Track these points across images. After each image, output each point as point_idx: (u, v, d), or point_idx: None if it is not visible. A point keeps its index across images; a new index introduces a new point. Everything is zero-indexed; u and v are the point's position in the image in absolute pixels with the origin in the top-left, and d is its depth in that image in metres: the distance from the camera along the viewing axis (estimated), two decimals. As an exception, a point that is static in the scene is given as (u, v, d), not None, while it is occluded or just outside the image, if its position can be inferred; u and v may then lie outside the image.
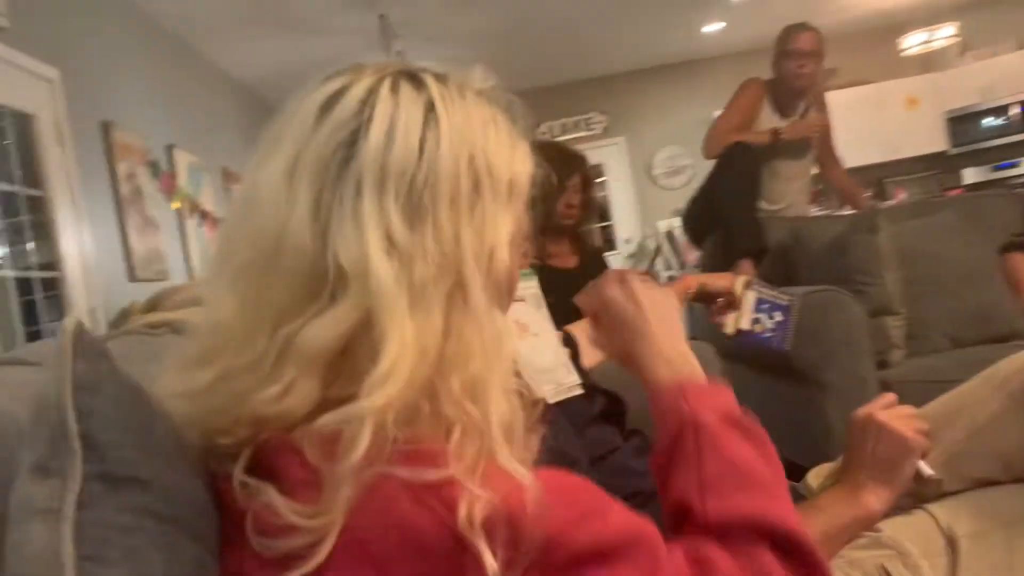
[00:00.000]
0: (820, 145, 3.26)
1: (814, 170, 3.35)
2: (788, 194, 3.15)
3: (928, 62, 7.76)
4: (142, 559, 0.51)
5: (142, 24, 4.58)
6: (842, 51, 8.01)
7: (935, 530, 0.97)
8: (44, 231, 3.27)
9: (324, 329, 0.59)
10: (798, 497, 1.15)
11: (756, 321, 1.76)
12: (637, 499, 1.05)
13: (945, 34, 6.64)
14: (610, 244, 8.45)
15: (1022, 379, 0.99)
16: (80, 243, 3.41)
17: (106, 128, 3.82)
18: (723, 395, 0.76)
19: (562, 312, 2.05)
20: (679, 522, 0.66)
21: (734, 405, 0.75)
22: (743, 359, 2.76)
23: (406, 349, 0.58)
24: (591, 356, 1.49)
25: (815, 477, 1.16)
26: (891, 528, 0.98)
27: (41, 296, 3.17)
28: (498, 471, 0.58)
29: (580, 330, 1.55)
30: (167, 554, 0.52)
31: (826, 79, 8.01)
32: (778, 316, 1.77)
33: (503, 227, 0.66)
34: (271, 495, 0.56)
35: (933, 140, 7.92)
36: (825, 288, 2.24)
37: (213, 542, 0.59)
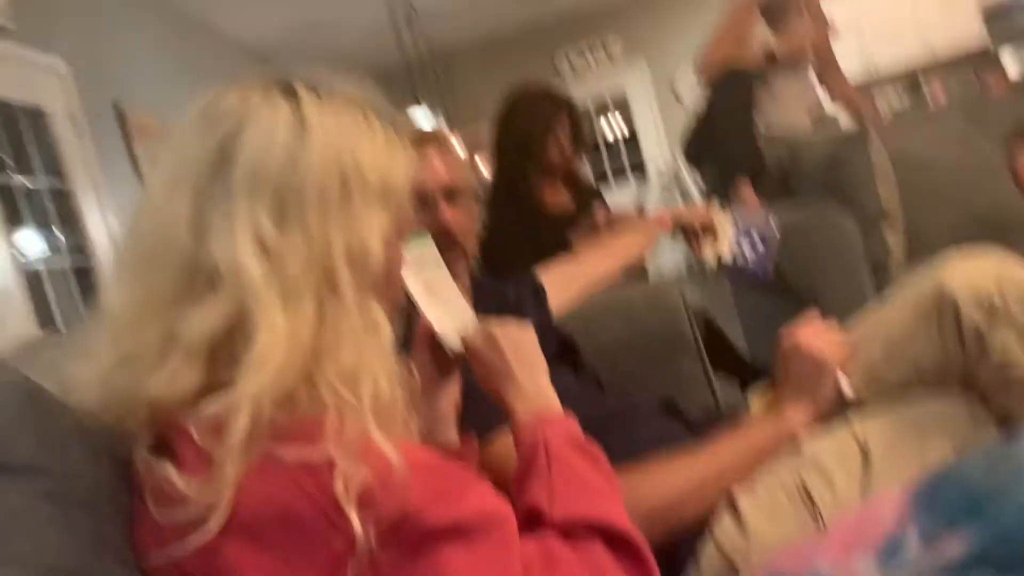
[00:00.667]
0: (819, 57, 3.18)
1: (816, 85, 3.28)
2: (787, 113, 3.10)
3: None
4: (39, 536, 0.59)
5: (144, 1, 4.64)
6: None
7: (852, 442, 1.01)
8: (71, 222, 3.41)
9: (201, 321, 0.66)
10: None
11: (738, 249, 1.79)
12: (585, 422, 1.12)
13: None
14: (640, 169, 8.32)
15: (929, 293, 1.02)
16: (108, 230, 3.55)
17: (120, 111, 3.94)
18: (570, 424, 0.86)
19: (559, 253, 2.11)
20: (529, 525, 0.74)
21: (579, 432, 0.85)
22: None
23: (277, 339, 0.65)
24: (557, 301, 1.56)
25: (757, 396, 1.22)
26: (811, 442, 1.03)
27: (75, 286, 3.32)
28: (371, 448, 0.65)
29: (548, 274, 1.61)
30: (63, 531, 0.60)
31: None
32: (759, 244, 1.80)
33: (375, 226, 0.72)
34: (167, 469, 0.64)
35: (970, 31, 7.61)
36: (812, 205, 2.25)
37: (115, 517, 0.67)
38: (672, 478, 1.02)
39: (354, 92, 0.77)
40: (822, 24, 3.17)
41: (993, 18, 7.43)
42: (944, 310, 1.00)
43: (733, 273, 1.78)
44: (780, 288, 2.35)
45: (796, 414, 1.04)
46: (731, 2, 3.07)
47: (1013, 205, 2.50)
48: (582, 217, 2.39)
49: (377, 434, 0.66)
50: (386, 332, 0.73)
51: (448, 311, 0.96)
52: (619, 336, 1.54)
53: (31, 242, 3.27)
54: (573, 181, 2.60)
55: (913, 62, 7.67)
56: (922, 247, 2.47)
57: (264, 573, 0.61)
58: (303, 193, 0.69)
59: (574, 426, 0.86)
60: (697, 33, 3.11)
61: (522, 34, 8.06)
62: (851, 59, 7.44)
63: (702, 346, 1.57)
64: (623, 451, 1.06)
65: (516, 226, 2.44)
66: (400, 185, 0.76)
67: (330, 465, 0.62)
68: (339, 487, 0.61)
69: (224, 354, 0.67)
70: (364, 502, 0.61)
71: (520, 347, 0.91)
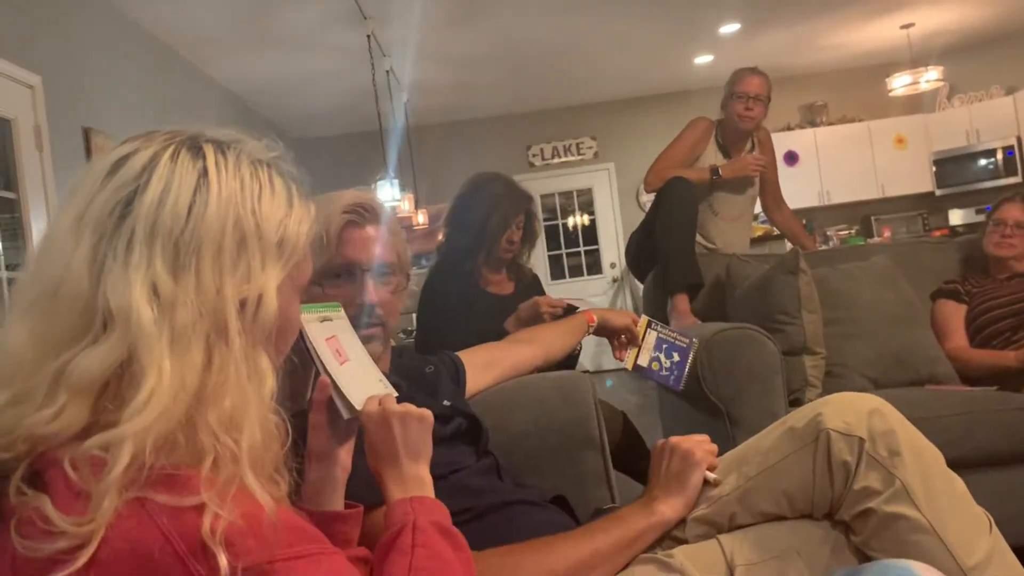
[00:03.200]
0: (763, 186, 3.34)
1: (758, 210, 3.43)
2: (726, 232, 3.23)
3: (916, 104, 7.87)
4: None
5: (130, 32, 4.72)
6: (831, 88, 8.17)
7: (720, 558, 1.06)
8: (15, 233, 3.39)
9: (91, 362, 0.68)
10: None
11: (655, 359, 1.86)
12: (464, 515, 1.15)
13: (930, 78, 6.75)
14: (596, 267, 8.56)
15: (805, 423, 1.09)
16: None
17: (87, 134, 3.95)
18: (440, 509, 0.91)
19: (493, 333, 2.17)
20: None
21: (446, 518, 0.90)
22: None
23: (163, 382, 0.68)
24: (475, 383, 1.60)
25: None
26: (682, 554, 1.08)
27: (8, 295, 3.27)
28: (245, 494, 0.68)
29: (471, 355, 1.65)
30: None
31: (815, 115, 8.15)
32: (676, 356, 1.88)
33: (271, 278, 0.77)
34: (42, 501, 0.65)
35: (920, 180, 8.03)
36: (739, 325, 2.32)
37: None
38: (548, 558, 1.06)
39: (262, 152, 0.82)
40: (770, 154, 3.34)
41: (945, 183, 7.87)
42: (819, 441, 1.06)
43: (646, 376, 1.85)
44: (701, 398, 2.42)
45: (667, 507, 1.12)
46: (690, 124, 3.24)
47: (928, 352, 2.61)
48: (518, 301, 2.46)
49: (252, 480, 0.68)
50: (268, 384, 0.77)
51: (353, 379, 0.99)
52: (527, 423, 1.58)
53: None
54: (517, 270, 2.69)
55: (863, 195, 8.04)
56: (841, 377, 2.57)
57: None
58: (198, 245, 0.73)
59: (443, 512, 0.90)
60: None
61: (502, 121, 8.31)
62: (806, 186, 7.84)
63: (606, 442, 1.61)
64: (503, 538, 1.10)
65: (454, 300, 2.51)
66: (298, 241, 0.81)
67: (199, 509, 0.64)
68: (206, 526, 0.63)
69: (110, 395, 0.69)
70: (231, 543, 0.64)
71: (411, 433, 0.95)
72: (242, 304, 0.75)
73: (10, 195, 3.40)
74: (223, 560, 0.63)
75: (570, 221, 8.69)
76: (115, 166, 0.75)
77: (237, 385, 0.73)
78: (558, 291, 6.47)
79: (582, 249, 8.62)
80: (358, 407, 0.96)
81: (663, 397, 3.11)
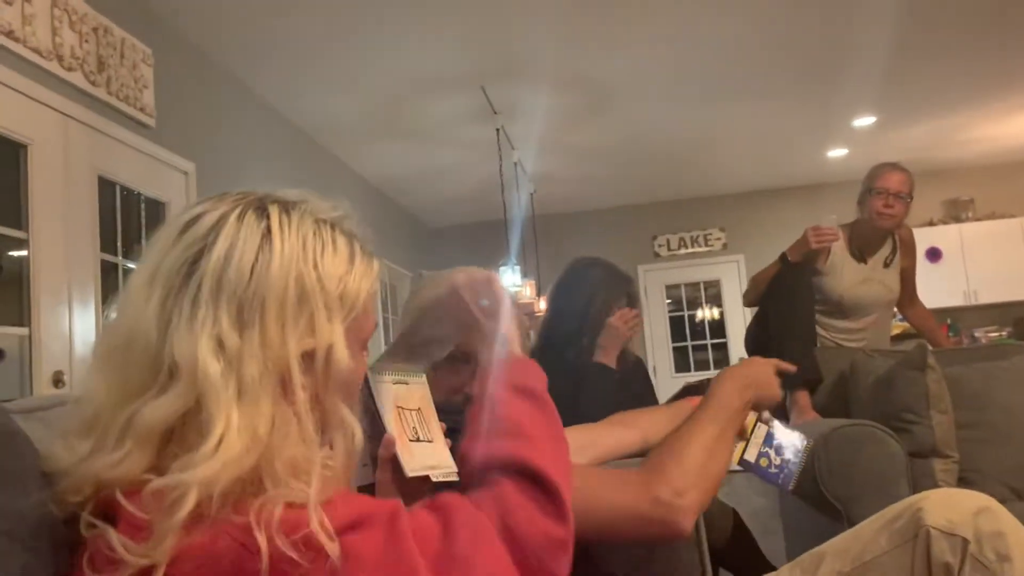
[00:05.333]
0: (903, 284, 3.16)
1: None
2: (862, 337, 3.05)
3: (1073, 199, 7.41)
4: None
5: (276, 124, 5.08)
6: (978, 182, 7.81)
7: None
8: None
9: (156, 411, 0.72)
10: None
11: (763, 455, 1.76)
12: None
13: (1088, 172, 6.35)
14: (724, 362, 8.35)
15: (906, 519, 1.01)
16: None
17: (232, 215, 4.24)
18: (522, 369, 0.93)
19: (595, 414, 2.13)
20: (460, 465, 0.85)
21: (529, 377, 0.93)
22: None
23: (232, 431, 0.71)
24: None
25: None
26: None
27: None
28: (312, 540, 0.68)
29: (569, 434, 1.63)
30: (-9, 561, 0.66)
31: (960, 210, 7.79)
32: (787, 455, 1.77)
33: (336, 331, 0.80)
34: (108, 532, 0.68)
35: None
36: (860, 422, 2.20)
37: (49, 558, 0.72)
38: None
39: (327, 211, 0.85)
40: (912, 255, 3.18)
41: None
42: (918, 539, 0.98)
43: (752, 472, 1.75)
44: (819, 499, 2.28)
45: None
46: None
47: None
48: (623, 384, 2.41)
49: (318, 526, 0.68)
50: (357, 434, 0.81)
51: (419, 447, 1.00)
52: (618, 510, 1.52)
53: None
54: (621, 350, 2.65)
55: (1018, 296, 7.55)
56: (977, 484, 2.37)
57: None
58: (261, 301, 0.76)
59: (526, 370, 0.93)
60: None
61: (627, 211, 8.37)
62: (950, 285, 7.43)
63: (704, 537, 1.54)
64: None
65: (556, 382, 2.48)
66: (358, 296, 0.83)
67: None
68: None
69: (175, 443, 0.73)
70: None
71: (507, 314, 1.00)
72: (306, 357, 0.77)
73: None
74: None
75: (698, 314, 8.55)
76: (186, 226, 0.80)
77: (300, 437, 0.75)
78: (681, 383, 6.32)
79: (709, 342, 8.44)
80: (415, 471, 0.96)
81: (784, 499, 2.95)
